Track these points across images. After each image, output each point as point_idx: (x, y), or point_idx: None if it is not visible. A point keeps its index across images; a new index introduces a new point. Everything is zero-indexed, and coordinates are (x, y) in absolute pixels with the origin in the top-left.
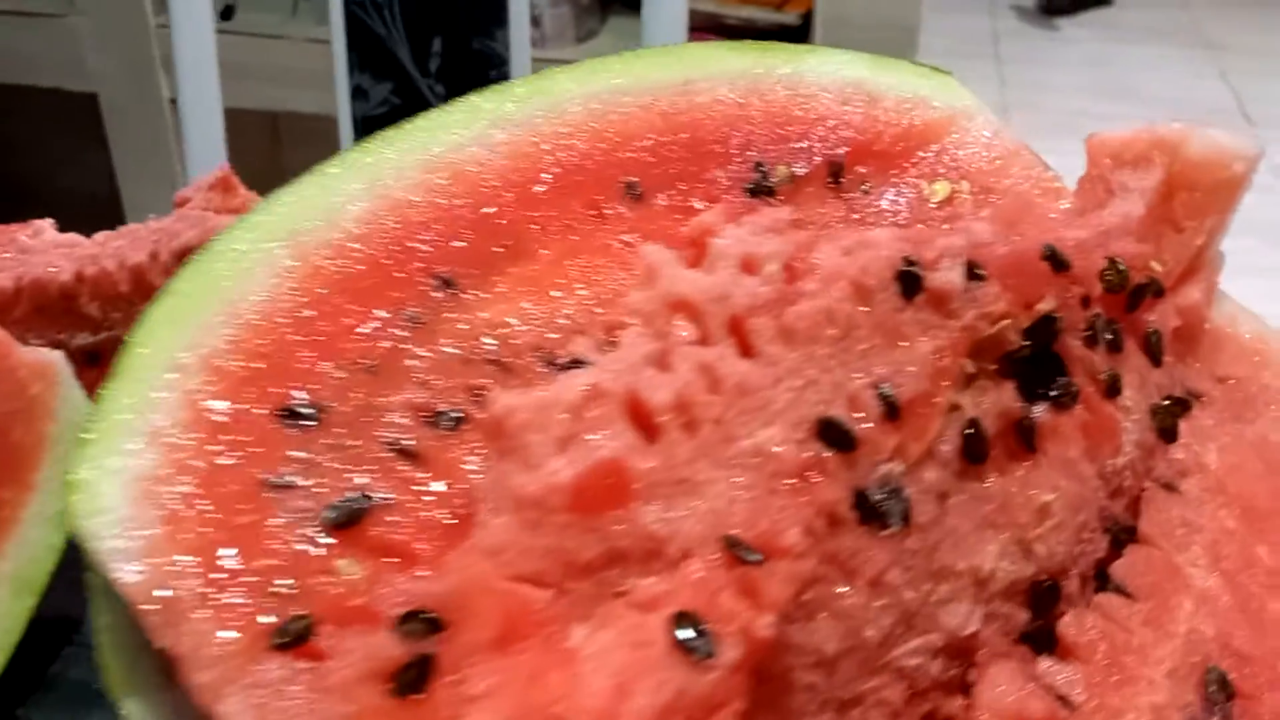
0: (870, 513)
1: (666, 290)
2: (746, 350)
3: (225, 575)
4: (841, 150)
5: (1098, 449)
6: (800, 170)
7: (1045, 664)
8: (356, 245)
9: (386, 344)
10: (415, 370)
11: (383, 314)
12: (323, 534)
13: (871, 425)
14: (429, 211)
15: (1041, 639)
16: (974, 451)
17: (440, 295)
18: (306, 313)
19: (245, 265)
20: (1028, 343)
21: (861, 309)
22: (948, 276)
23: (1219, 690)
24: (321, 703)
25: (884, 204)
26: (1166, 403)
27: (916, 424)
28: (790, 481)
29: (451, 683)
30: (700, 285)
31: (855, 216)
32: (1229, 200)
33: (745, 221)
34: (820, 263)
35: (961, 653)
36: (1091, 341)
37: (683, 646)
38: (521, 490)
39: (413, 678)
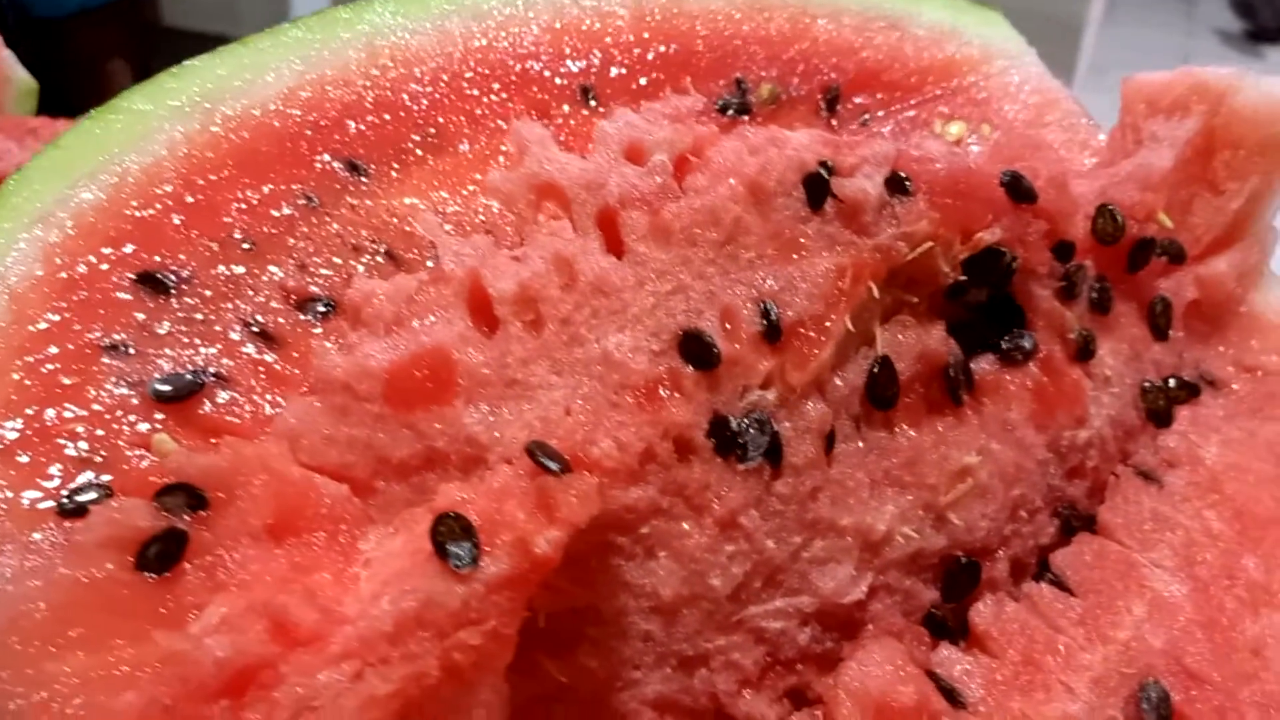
0: (728, 443)
1: (533, 172)
2: (614, 246)
3: (32, 432)
4: (840, 77)
5: (1051, 416)
6: (789, 92)
7: (943, 652)
8: (265, 119)
9: (271, 223)
10: (296, 252)
11: (277, 191)
12: (148, 405)
13: (744, 345)
14: (351, 93)
15: (949, 625)
16: (879, 394)
17: (346, 179)
18: (195, 180)
19: (140, 126)
20: (965, 278)
21: (755, 214)
22: (861, 185)
23: (1154, 710)
24: (58, 565)
25: (881, 137)
26: (1165, 383)
27: (801, 349)
28: (637, 396)
29: (203, 565)
30: (571, 170)
31: None
32: None
33: (644, 107)
34: (716, 158)
35: (842, 624)
36: (1067, 294)
37: (444, 555)
38: (329, 372)
39: (159, 552)
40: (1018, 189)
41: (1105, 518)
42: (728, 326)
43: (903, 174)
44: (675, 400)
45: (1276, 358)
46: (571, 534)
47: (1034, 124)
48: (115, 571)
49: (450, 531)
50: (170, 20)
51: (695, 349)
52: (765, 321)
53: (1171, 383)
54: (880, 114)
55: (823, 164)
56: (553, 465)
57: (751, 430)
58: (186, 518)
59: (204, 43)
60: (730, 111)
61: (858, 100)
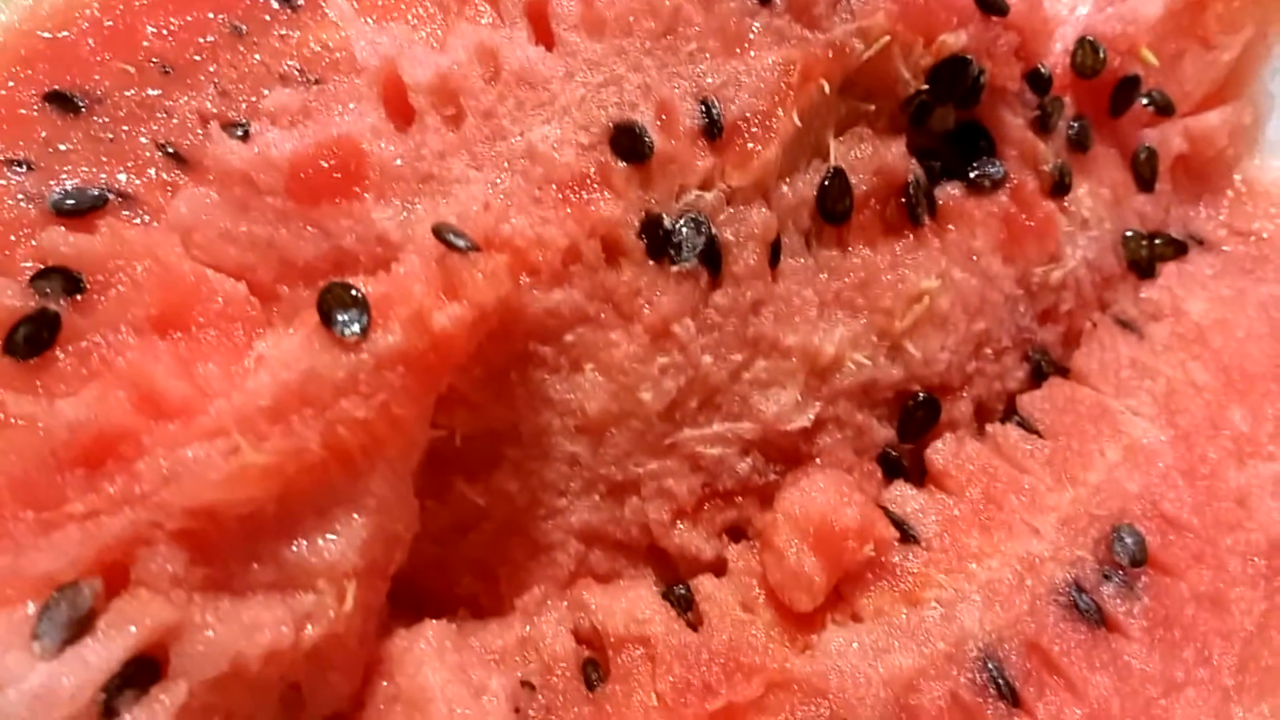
0: (661, 243)
1: None
2: (543, 37)
3: None
4: None
5: (1019, 247)
6: None
7: (896, 489)
8: None
9: (194, 49)
10: (219, 78)
11: (202, 19)
12: (47, 219)
13: (681, 140)
14: None
15: (904, 465)
16: (831, 207)
17: (276, 9)
18: (115, 6)
19: None
20: (927, 88)
21: (698, 4)
22: None
23: (1126, 553)
24: None
25: None
26: (1151, 238)
27: (743, 147)
28: (562, 191)
29: (76, 351)
30: None
31: None
32: (1276, 13)
33: None
34: None
35: (786, 456)
36: (1043, 125)
37: (329, 317)
38: (226, 162)
39: (28, 335)
40: (986, 0)
41: (1079, 364)
42: (664, 120)
43: None
44: (604, 197)
45: (1272, 224)
46: (478, 315)
47: None
48: None
49: (339, 300)
50: None
51: (627, 142)
52: (705, 117)
53: (1157, 240)
54: None
55: None
56: (460, 243)
57: (687, 230)
58: (61, 301)
59: None
60: None
61: None
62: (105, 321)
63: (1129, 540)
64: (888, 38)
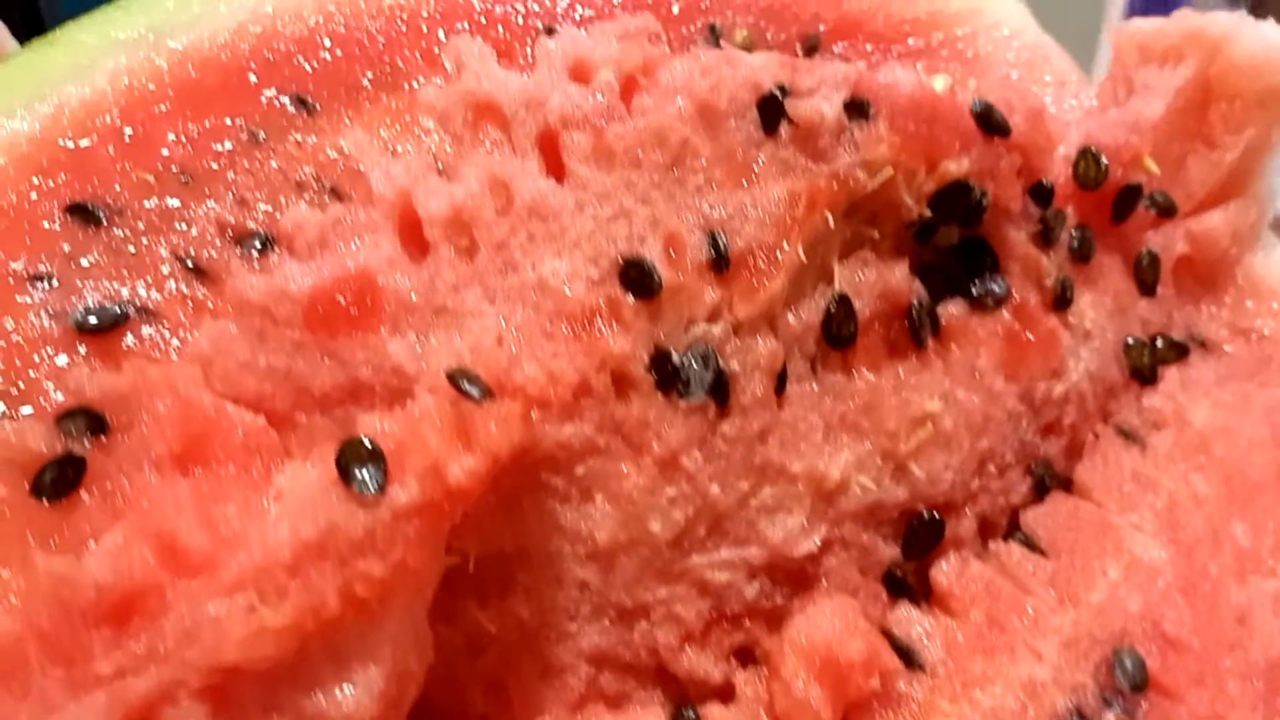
0: (670, 377)
1: (469, 88)
2: (554, 169)
3: None
4: (820, 25)
5: (1023, 365)
6: (765, 35)
7: (901, 611)
8: (213, 53)
9: (211, 156)
10: (236, 187)
11: (220, 126)
12: (70, 337)
13: (689, 274)
14: (303, 28)
15: (909, 584)
16: (836, 332)
17: (293, 115)
18: (135, 113)
19: (82, 58)
20: (930, 214)
21: (705, 136)
22: (818, 107)
23: (1126, 678)
24: None
25: None
26: (1153, 342)
27: (750, 280)
28: (573, 325)
29: (101, 492)
30: (510, 87)
31: None
32: None
33: (594, 27)
34: (665, 77)
35: (793, 579)
36: (1044, 239)
37: (347, 473)
38: (246, 294)
39: (55, 478)
40: (989, 120)
41: (1082, 477)
42: (672, 254)
43: (864, 98)
44: (614, 331)
45: (1274, 321)
46: (491, 463)
47: (1023, 79)
48: (8, 495)
49: (356, 455)
50: None
51: (636, 276)
52: (712, 250)
53: (1159, 342)
54: (860, 66)
55: (779, 86)
56: (473, 391)
57: (695, 365)
58: (86, 442)
59: None
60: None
61: (836, 50)
62: (129, 460)
63: (1129, 664)
64: (890, 170)
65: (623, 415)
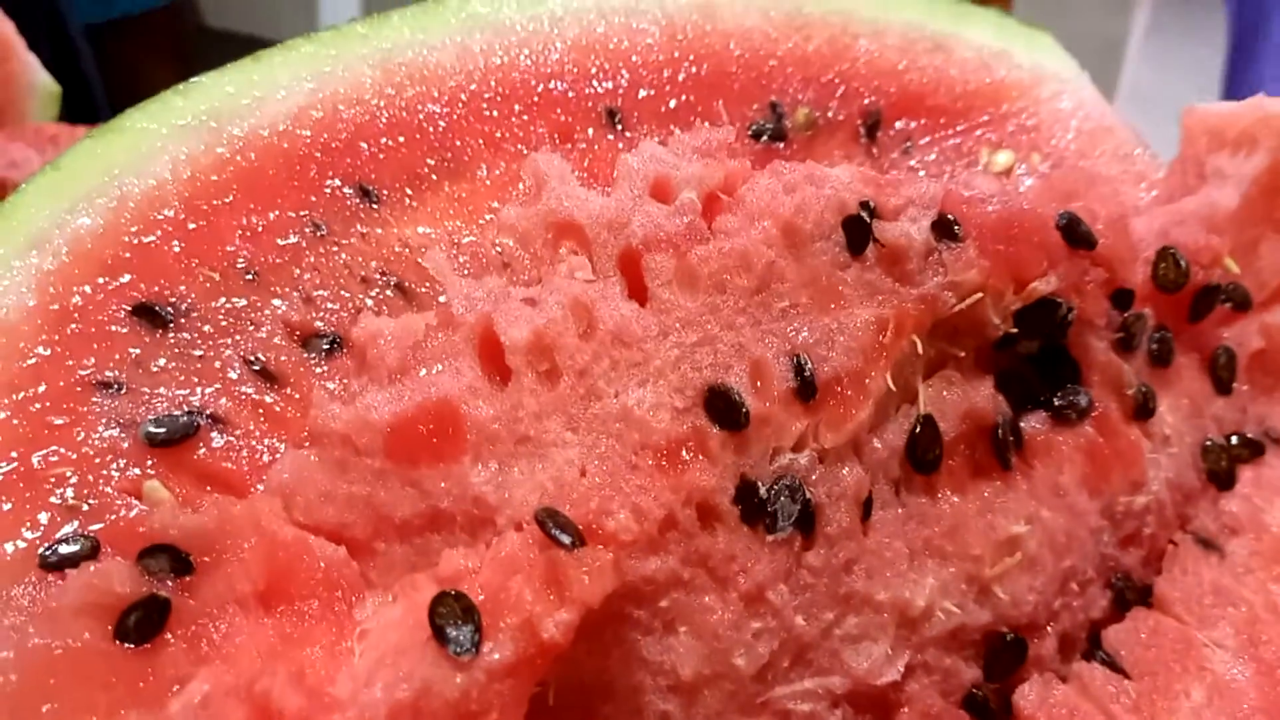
0: (756, 510)
1: (550, 209)
2: (637, 292)
3: (18, 476)
4: (882, 100)
5: (1105, 480)
6: (826, 116)
7: None
8: (273, 140)
9: (276, 251)
10: (302, 284)
11: (284, 218)
12: (140, 449)
13: (775, 403)
14: (364, 113)
15: (992, 706)
16: (921, 456)
17: (356, 205)
18: (198, 205)
19: (143, 146)
20: (1016, 331)
21: (790, 258)
22: (906, 230)
23: None
24: (31, 633)
25: (922, 165)
26: (1228, 441)
27: (837, 409)
28: (658, 457)
29: (186, 635)
30: (591, 207)
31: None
32: None
33: (674, 140)
34: (749, 196)
35: (875, 705)
36: (1125, 346)
37: (442, 633)
38: (327, 424)
39: (139, 621)
40: (1075, 233)
41: (1162, 590)
42: (758, 383)
43: (951, 217)
44: (699, 463)
45: None
46: (584, 615)
47: (1086, 154)
48: (92, 640)
49: (451, 613)
50: (212, 22)
51: (722, 407)
52: (799, 378)
53: (1234, 440)
54: (923, 141)
55: (864, 205)
56: (564, 538)
57: (782, 498)
58: (170, 582)
59: (246, 45)
60: (764, 137)
61: (899, 126)
62: (213, 600)
63: None
64: (980, 295)
65: (708, 548)
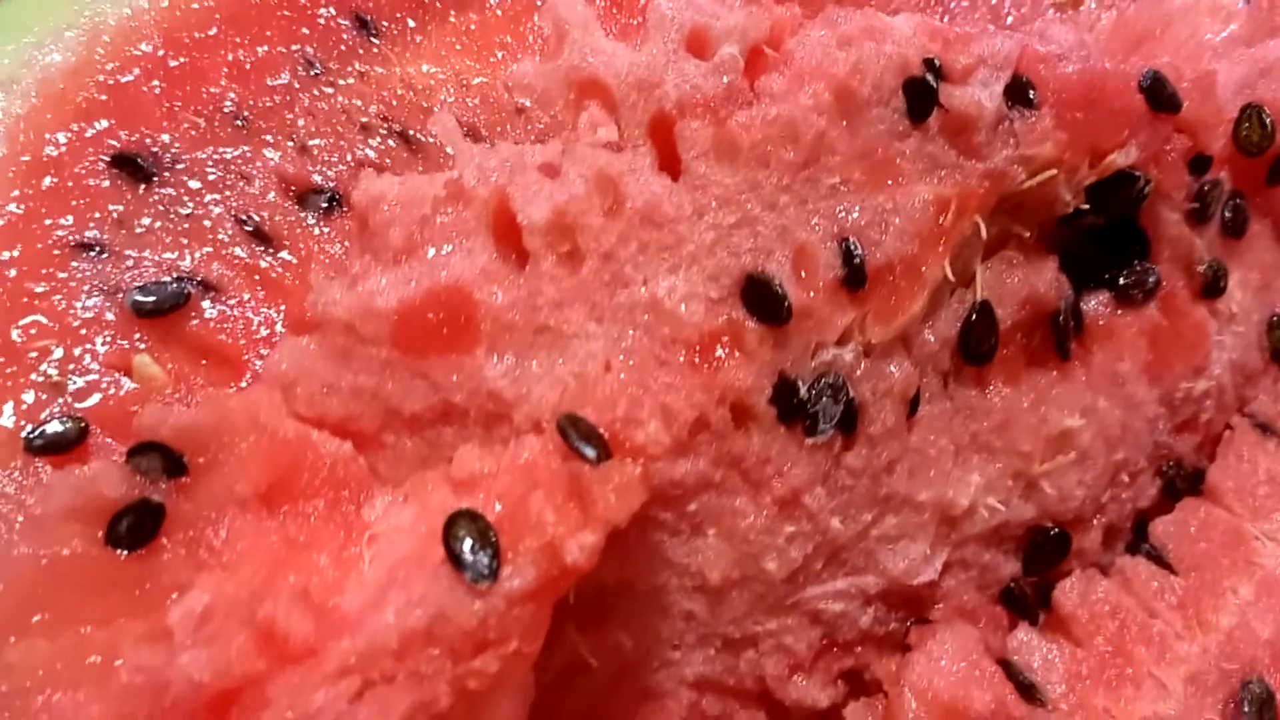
0: (794, 410)
1: (573, 65)
2: (669, 164)
3: None
4: None
5: (1168, 366)
6: None
7: (1021, 635)
8: None
9: (267, 93)
10: (296, 130)
11: (273, 54)
12: (127, 319)
13: (819, 293)
14: None
15: (1030, 601)
16: (975, 347)
17: (354, 38)
18: (179, 38)
19: None
20: (1087, 207)
21: (843, 127)
22: (976, 95)
23: (1255, 712)
24: (15, 543)
25: None
26: None
27: (888, 297)
28: (689, 353)
29: (183, 539)
30: (619, 64)
31: (938, 3)
32: None
33: None
34: (798, 53)
35: (910, 603)
36: (1199, 217)
37: (458, 558)
38: (328, 310)
39: (131, 526)
40: (1159, 96)
41: (1215, 479)
42: (802, 271)
43: (1026, 79)
44: (735, 360)
45: None
46: (610, 534)
47: None
48: (81, 547)
49: (468, 534)
50: None
51: (761, 298)
52: (847, 265)
53: None
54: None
55: (929, 64)
56: (589, 451)
57: (824, 398)
58: (163, 484)
59: None
60: None
61: None
62: (210, 504)
63: (1257, 695)
64: (1054, 171)
65: (741, 449)
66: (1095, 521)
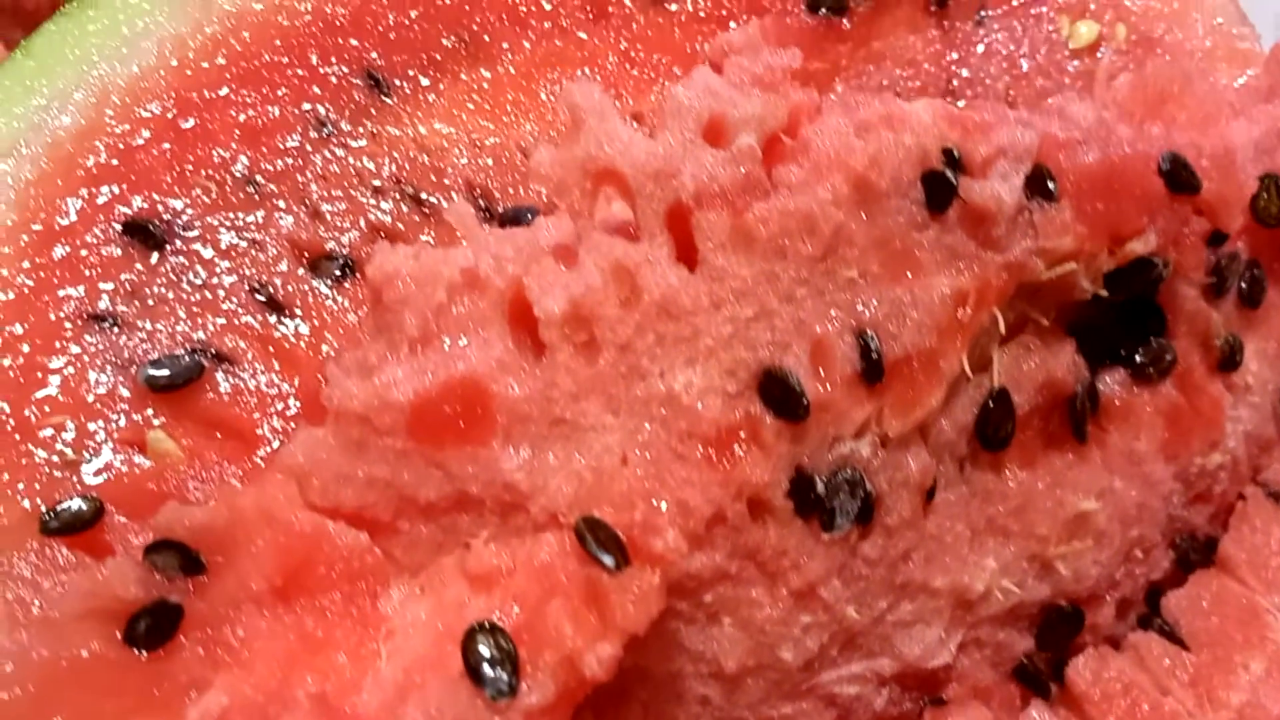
0: (811, 505)
1: (590, 153)
2: (685, 253)
3: (10, 429)
4: None
5: (1184, 443)
6: None
7: (1035, 714)
8: (269, 15)
9: (278, 154)
10: (308, 193)
11: (285, 115)
12: (141, 394)
13: (837, 387)
14: None
15: (1043, 677)
16: (992, 435)
17: (365, 97)
18: (188, 96)
19: (123, 26)
20: (1105, 293)
21: (861, 218)
22: (996, 189)
23: None
24: (34, 645)
25: (999, 41)
26: None
27: (906, 390)
28: (706, 447)
29: (200, 638)
30: (636, 153)
31: (953, 56)
32: None
33: (730, 64)
34: (816, 142)
35: (924, 684)
36: (1215, 290)
37: (477, 673)
38: (345, 402)
39: (149, 627)
40: (1178, 179)
41: (1228, 551)
42: (819, 366)
43: (1046, 169)
44: (752, 455)
45: None
46: (627, 641)
47: (1177, 23)
48: (99, 649)
49: (486, 648)
50: None
51: (778, 393)
52: (865, 359)
53: None
54: (1000, 10)
55: (948, 154)
56: (608, 560)
57: (841, 494)
58: (179, 583)
59: None
60: (822, 10)
61: None
62: (227, 602)
63: None
64: (1074, 265)
65: (758, 542)
66: (1109, 597)
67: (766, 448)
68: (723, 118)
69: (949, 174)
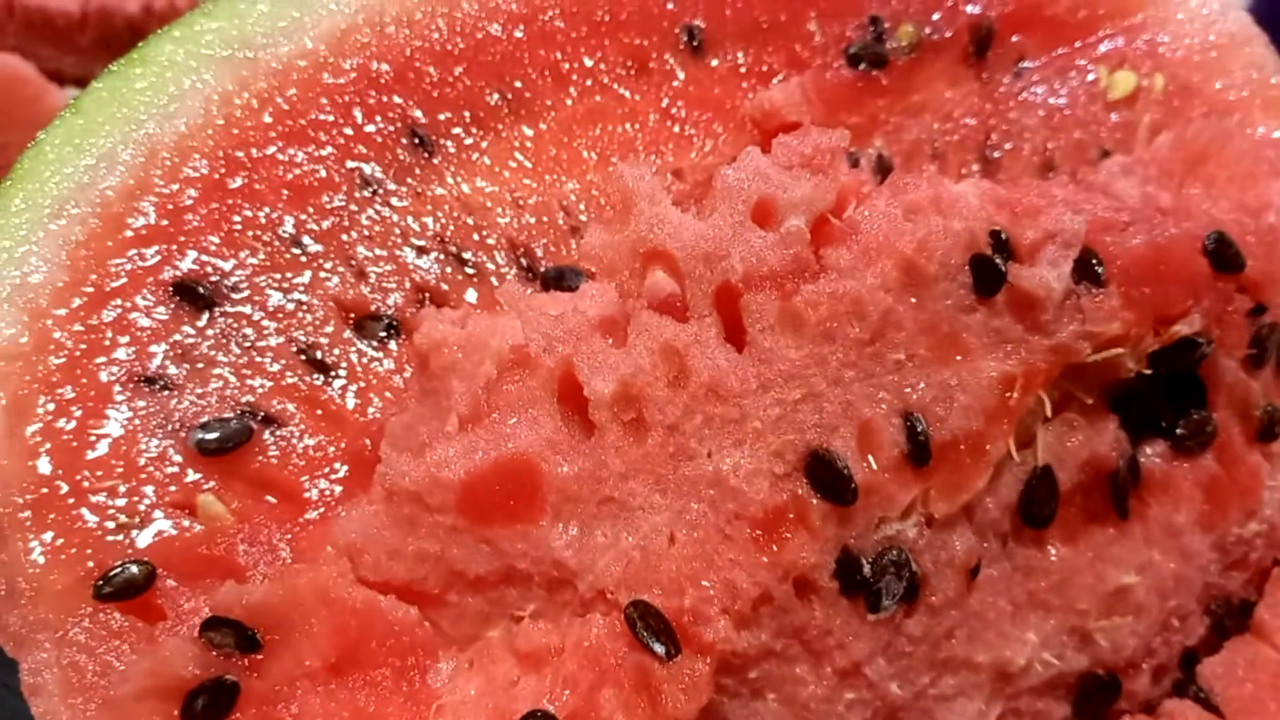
0: (857, 586)
1: (640, 235)
2: (734, 336)
3: (66, 492)
4: (994, 12)
5: (1223, 514)
6: (933, 35)
7: None
8: (314, 71)
9: (323, 214)
10: (353, 253)
11: (330, 174)
12: (191, 458)
13: (884, 470)
14: (414, 37)
15: None
16: (1036, 513)
17: (409, 155)
18: (235, 155)
19: (170, 85)
20: (1150, 372)
21: (909, 302)
22: (1044, 276)
23: None
24: (95, 718)
25: (1038, 94)
26: None
27: (952, 473)
28: (754, 528)
29: (257, 716)
30: (686, 235)
31: (991, 109)
32: None
33: (779, 144)
34: (865, 225)
35: None
36: (1255, 362)
37: None
38: (397, 482)
39: (207, 705)
40: (1223, 258)
41: (1263, 617)
42: (867, 453)
43: (1093, 255)
44: (800, 537)
45: None
46: None
47: (1216, 73)
48: None
49: None
50: None
51: (825, 476)
52: (911, 441)
53: None
54: (1039, 61)
55: (995, 237)
56: (659, 648)
57: (887, 575)
58: (236, 661)
59: None
60: (862, 64)
61: (1014, 40)
62: (282, 679)
63: None
64: (1121, 350)
65: (804, 621)
66: (1145, 665)
67: (813, 530)
68: (772, 200)
69: (998, 260)
